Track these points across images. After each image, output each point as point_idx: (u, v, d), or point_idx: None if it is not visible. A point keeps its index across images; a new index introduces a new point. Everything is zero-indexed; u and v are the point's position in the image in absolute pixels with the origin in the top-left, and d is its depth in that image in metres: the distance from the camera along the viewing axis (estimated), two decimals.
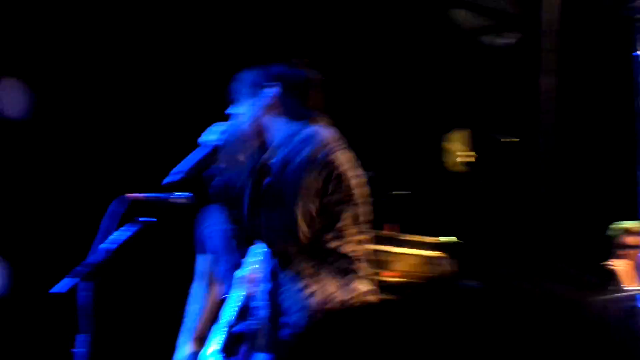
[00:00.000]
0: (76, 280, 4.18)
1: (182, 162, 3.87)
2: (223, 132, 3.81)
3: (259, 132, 3.77)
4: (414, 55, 7.82)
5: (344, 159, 3.70)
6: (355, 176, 3.77)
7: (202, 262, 4.78)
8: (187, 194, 4.43)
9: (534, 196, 8.21)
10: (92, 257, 4.23)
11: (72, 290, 4.19)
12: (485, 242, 7.02)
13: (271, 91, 3.75)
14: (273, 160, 3.69)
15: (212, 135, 3.85)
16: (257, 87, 3.76)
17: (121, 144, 7.06)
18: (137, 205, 4.36)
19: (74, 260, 4.28)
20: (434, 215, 7.18)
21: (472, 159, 7.09)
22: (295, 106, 3.74)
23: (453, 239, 6.63)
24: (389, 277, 6.49)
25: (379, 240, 6.29)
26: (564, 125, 8.15)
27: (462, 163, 7.04)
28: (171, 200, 4.40)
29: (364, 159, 6.63)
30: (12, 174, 6.71)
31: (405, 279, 6.50)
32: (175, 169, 3.85)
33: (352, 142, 5.26)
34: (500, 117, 7.85)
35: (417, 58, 7.82)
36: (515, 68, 8.14)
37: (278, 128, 3.76)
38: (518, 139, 7.40)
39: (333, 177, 3.63)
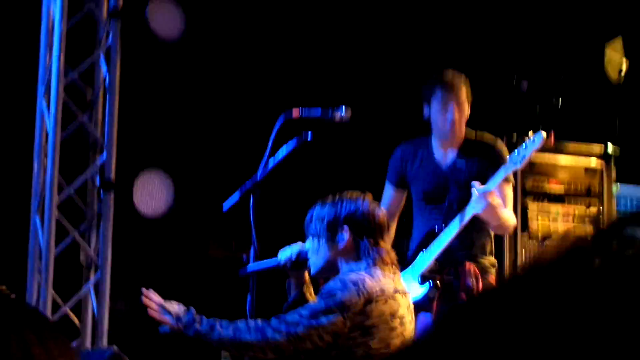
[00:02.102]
0: (246, 194, 4.32)
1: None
2: (294, 255, 4.05)
3: (327, 268, 3.93)
4: None
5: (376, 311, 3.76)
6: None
7: None
8: (343, 107, 4.41)
9: None
10: (259, 173, 4.34)
11: (242, 204, 4.33)
12: None
13: (343, 236, 3.87)
14: None
15: (285, 254, 4.08)
16: (328, 227, 3.88)
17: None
18: (298, 121, 4.41)
19: (244, 176, 4.39)
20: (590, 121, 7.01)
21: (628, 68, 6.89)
22: (362, 248, 3.87)
23: (617, 148, 6.50)
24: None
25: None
26: None
27: (621, 72, 6.85)
28: (330, 116, 4.42)
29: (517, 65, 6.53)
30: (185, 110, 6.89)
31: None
32: None
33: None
34: None
35: None
36: None
37: (342, 269, 3.90)
38: None
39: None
